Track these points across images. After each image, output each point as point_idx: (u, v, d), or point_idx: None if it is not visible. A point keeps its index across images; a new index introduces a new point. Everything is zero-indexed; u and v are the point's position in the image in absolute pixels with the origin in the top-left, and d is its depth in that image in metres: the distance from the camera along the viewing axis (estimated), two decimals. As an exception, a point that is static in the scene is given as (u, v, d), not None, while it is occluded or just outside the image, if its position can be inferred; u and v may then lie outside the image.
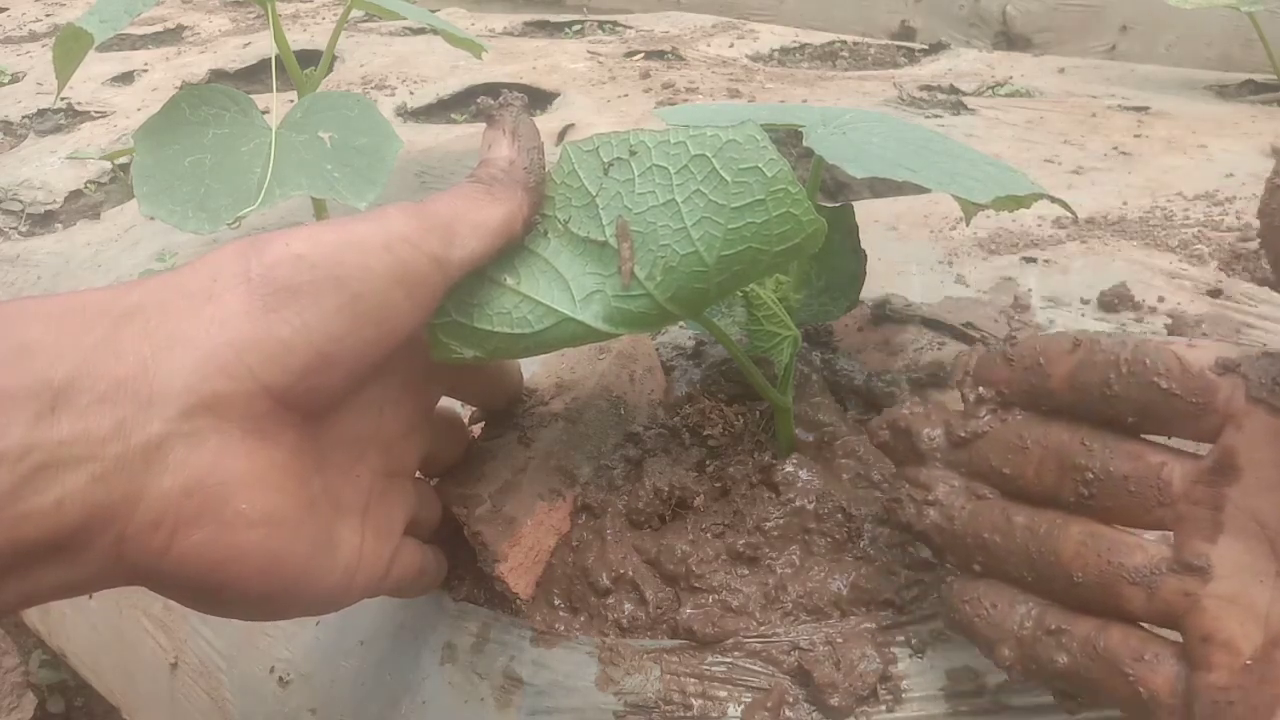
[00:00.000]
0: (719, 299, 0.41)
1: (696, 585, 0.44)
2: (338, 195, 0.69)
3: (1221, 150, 0.88)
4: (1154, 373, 0.34)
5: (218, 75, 1.48)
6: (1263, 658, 0.31)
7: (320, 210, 0.87)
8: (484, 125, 0.41)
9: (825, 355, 0.57)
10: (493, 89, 0.98)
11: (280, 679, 0.55)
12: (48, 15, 2.05)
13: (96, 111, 1.36)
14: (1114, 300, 0.61)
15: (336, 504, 0.37)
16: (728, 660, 0.43)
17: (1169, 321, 0.58)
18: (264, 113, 0.76)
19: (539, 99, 1.25)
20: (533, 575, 0.46)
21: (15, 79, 1.56)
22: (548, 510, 0.47)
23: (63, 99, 1.37)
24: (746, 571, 0.45)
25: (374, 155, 0.73)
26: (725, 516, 0.46)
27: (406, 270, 0.34)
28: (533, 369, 0.54)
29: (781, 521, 0.46)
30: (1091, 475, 0.36)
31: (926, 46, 1.46)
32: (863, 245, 0.54)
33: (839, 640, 0.42)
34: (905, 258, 0.70)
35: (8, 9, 2.15)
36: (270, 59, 1.34)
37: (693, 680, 0.42)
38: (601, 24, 1.73)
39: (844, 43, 1.51)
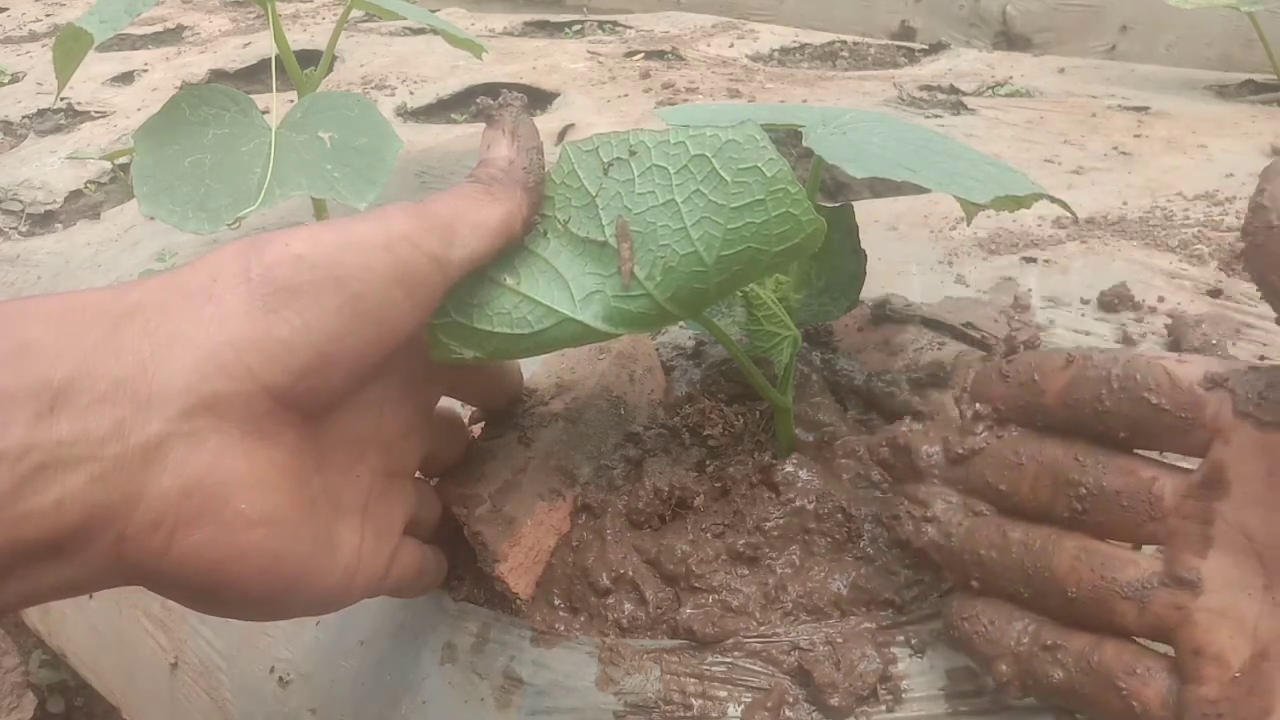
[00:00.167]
0: (719, 299, 0.41)
1: (696, 585, 0.44)
2: (338, 195, 0.69)
3: (1221, 150, 0.88)
4: (1144, 388, 0.35)
5: (218, 75, 1.48)
6: (1251, 670, 0.32)
7: (320, 210, 0.87)
8: (484, 125, 0.41)
9: (825, 355, 0.57)
10: (493, 89, 0.98)
11: (280, 679, 0.55)
12: (48, 15, 2.05)
13: (96, 111, 1.36)
14: (1114, 300, 0.61)
15: (336, 504, 0.37)
16: (728, 660, 0.43)
17: (1169, 321, 0.58)
18: (264, 113, 0.76)
19: (539, 99, 1.25)
20: (533, 575, 0.46)
21: (15, 79, 1.56)
22: (548, 510, 0.47)
23: (63, 99, 1.38)
24: (746, 571, 0.45)
25: (374, 155, 0.73)
26: (725, 516, 0.46)
27: (406, 270, 0.34)
28: (533, 369, 0.54)
29: (781, 521, 0.46)
30: (1085, 490, 0.36)
31: (926, 46, 1.46)
32: (863, 245, 0.54)
33: (839, 640, 0.42)
34: (905, 258, 0.70)
35: (8, 9, 2.15)
36: (270, 59, 1.35)
37: (693, 680, 0.42)
38: (601, 24, 1.73)
39: (844, 43, 1.51)
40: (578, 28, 1.73)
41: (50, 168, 1.19)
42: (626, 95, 1.21)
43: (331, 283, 0.33)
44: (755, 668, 0.42)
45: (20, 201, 1.13)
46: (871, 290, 0.61)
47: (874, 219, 0.77)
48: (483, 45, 0.95)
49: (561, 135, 1.08)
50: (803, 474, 0.47)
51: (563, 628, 0.45)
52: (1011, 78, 1.21)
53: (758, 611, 0.44)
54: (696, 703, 0.42)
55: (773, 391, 0.47)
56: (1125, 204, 0.78)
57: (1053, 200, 0.47)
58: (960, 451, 0.40)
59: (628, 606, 0.45)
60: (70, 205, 1.14)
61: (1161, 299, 0.62)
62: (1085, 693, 0.35)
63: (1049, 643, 0.36)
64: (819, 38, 1.53)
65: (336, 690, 0.51)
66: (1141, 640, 0.35)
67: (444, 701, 0.46)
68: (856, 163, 0.40)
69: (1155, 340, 0.57)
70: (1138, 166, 0.86)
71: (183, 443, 0.30)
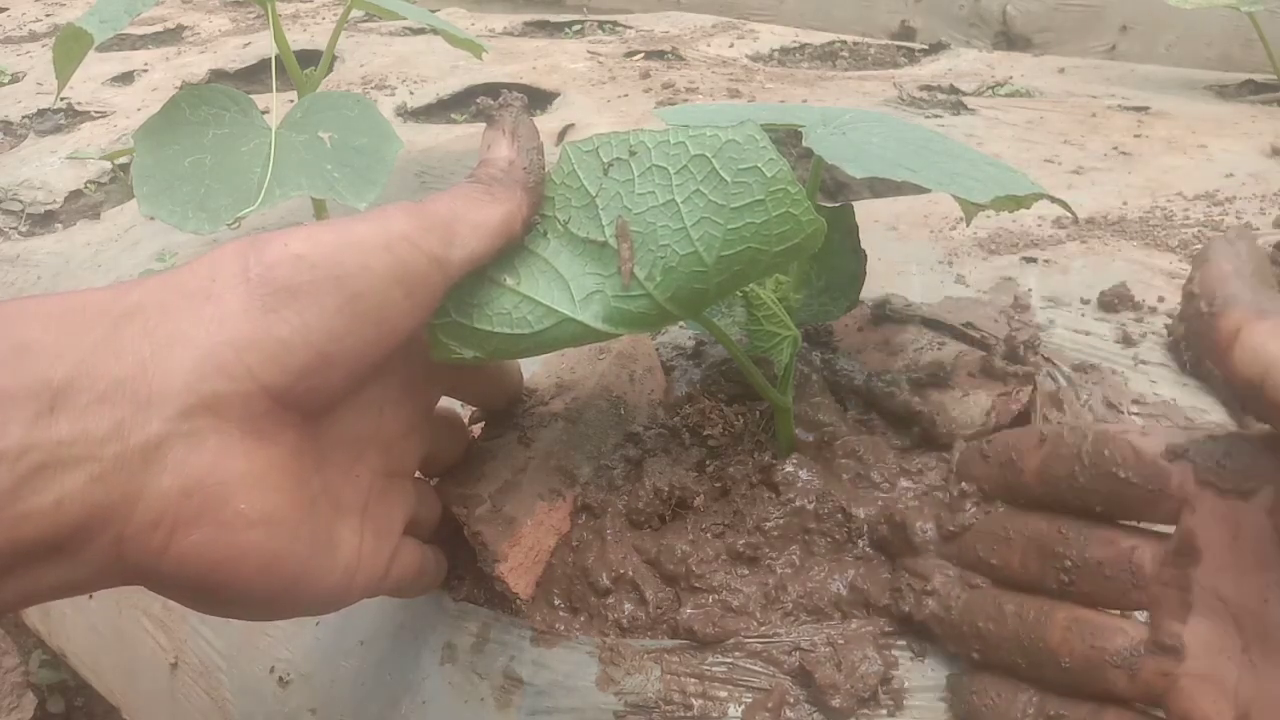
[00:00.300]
0: (719, 299, 0.41)
1: (696, 585, 0.44)
2: (338, 195, 0.69)
3: (1221, 150, 0.88)
4: (1112, 463, 0.36)
5: (218, 75, 1.48)
6: None
7: (320, 210, 0.87)
8: (484, 125, 0.41)
9: (825, 355, 0.57)
10: (493, 89, 0.98)
11: (280, 679, 0.55)
12: (48, 15, 2.05)
13: (96, 111, 1.36)
14: (1114, 300, 0.61)
15: (336, 504, 0.37)
16: (728, 660, 0.43)
17: (1169, 321, 0.58)
18: (264, 113, 0.76)
19: (539, 99, 1.25)
20: (533, 575, 0.46)
21: (15, 79, 1.56)
22: (548, 510, 0.47)
23: (63, 99, 1.38)
24: (746, 571, 0.45)
25: (374, 155, 0.73)
26: (725, 516, 0.46)
27: (406, 270, 0.34)
28: (533, 369, 0.54)
29: (781, 521, 0.46)
30: (1070, 562, 0.37)
31: (926, 46, 1.46)
32: (863, 245, 0.54)
33: (840, 641, 0.42)
34: (905, 258, 0.70)
35: (8, 9, 2.15)
36: (270, 59, 1.34)
37: (693, 680, 0.42)
38: (601, 24, 1.73)
39: (844, 43, 1.51)
40: (578, 28, 1.73)
41: (50, 168, 1.19)
42: (626, 95, 1.21)
43: (331, 283, 0.33)
44: (756, 668, 0.42)
45: (20, 201, 1.13)
46: (871, 290, 0.61)
47: (874, 219, 0.77)
48: (483, 45, 0.95)
49: (561, 135, 1.08)
50: (803, 474, 0.47)
51: (563, 628, 0.45)
52: (1011, 78, 1.21)
53: (758, 612, 0.44)
54: (697, 703, 0.42)
55: (773, 391, 0.47)
56: (1125, 204, 0.78)
57: (1053, 200, 0.47)
58: (952, 529, 0.41)
59: (628, 606, 0.45)
60: (70, 205, 1.14)
61: (1161, 299, 0.62)
62: None
63: (1053, 713, 0.37)
64: (819, 38, 1.53)
65: (336, 690, 0.51)
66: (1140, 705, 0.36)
67: (444, 701, 0.46)
68: (856, 163, 0.40)
69: (1155, 340, 0.57)
70: (1138, 166, 0.86)
71: (182, 443, 0.30)
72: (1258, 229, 0.71)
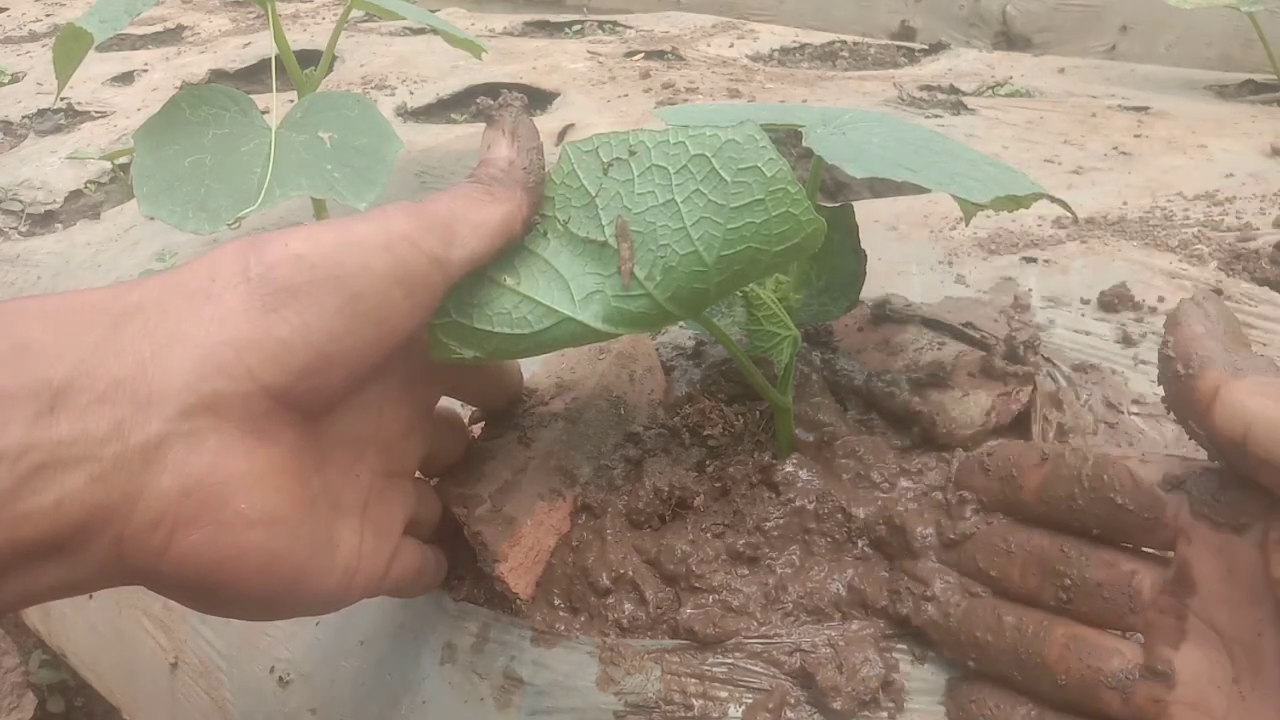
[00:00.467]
0: (719, 299, 0.41)
1: (697, 585, 0.44)
2: (338, 195, 0.69)
3: (1221, 150, 0.88)
4: (1110, 489, 0.36)
5: (218, 75, 1.49)
6: None
7: (320, 210, 0.87)
8: (484, 125, 0.41)
9: (825, 355, 0.57)
10: (493, 89, 0.98)
11: (280, 679, 0.55)
12: (48, 15, 2.05)
13: (96, 111, 1.36)
14: (1114, 300, 0.61)
15: (336, 504, 0.37)
16: (729, 661, 0.43)
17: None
18: (264, 113, 0.76)
19: (539, 99, 1.25)
20: (533, 575, 0.46)
21: (15, 79, 1.56)
22: (548, 510, 0.47)
23: (63, 99, 1.38)
24: (746, 571, 0.45)
25: (374, 155, 0.72)
26: (725, 516, 0.46)
27: (406, 270, 0.34)
28: (533, 369, 0.54)
29: (781, 521, 0.46)
30: (1070, 581, 0.38)
31: (926, 46, 1.46)
32: (863, 245, 0.54)
33: (841, 643, 0.42)
34: (905, 258, 0.70)
35: (8, 9, 2.15)
36: (270, 59, 1.35)
37: (693, 680, 0.42)
38: (601, 24, 1.73)
39: (844, 43, 1.51)
40: (578, 28, 1.73)
41: (50, 168, 1.19)
42: (626, 95, 1.21)
43: (331, 283, 0.33)
44: (756, 669, 0.42)
45: (20, 201, 1.13)
46: (871, 290, 0.61)
47: (874, 219, 0.77)
48: (482, 45, 0.95)
49: (561, 135, 1.08)
50: (803, 474, 0.47)
51: (563, 628, 0.45)
52: (1011, 78, 1.21)
53: (758, 612, 0.44)
54: (697, 703, 0.42)
55: (773, 391, 0.47)
56: (1125, 204, 0.78)
57: (1053, 200, 0.47)
58: (952, 536, 0.41)
59: (628, 606, 0.45)
60: (70, 205, 1.14)
61: (1161, 299, 0.62)
62: None
63: None
64: (819, 38, 1.53)
65: (336, 690, 0.51)
66: None
67: (444, 701, 0.46)
68: (856, 163, 0.40)
69: (1155, 340, 0.57)
70: (1138, 166, 0.86)
71: (182, 442, 0.30)
72: (1258, 229, 0.71)
